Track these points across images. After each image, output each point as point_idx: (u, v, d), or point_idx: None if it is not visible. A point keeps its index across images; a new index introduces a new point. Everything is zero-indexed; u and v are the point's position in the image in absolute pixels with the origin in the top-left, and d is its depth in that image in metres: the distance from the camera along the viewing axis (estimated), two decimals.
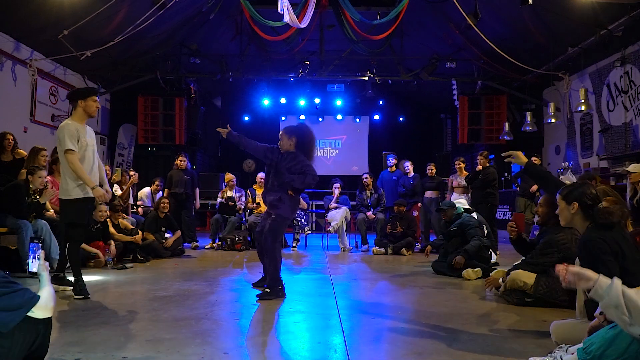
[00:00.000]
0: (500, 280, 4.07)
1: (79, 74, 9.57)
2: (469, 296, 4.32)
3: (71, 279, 4.06)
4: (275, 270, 4.12)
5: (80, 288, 3.95)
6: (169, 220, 7.20)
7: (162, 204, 7.11)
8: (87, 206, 4.11)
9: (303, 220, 8.35)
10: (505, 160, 3.48)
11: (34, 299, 1.91)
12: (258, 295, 4.00)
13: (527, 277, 3.84)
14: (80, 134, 3.99)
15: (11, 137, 5.87)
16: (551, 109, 9.32)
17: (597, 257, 2.35)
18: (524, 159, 3.33)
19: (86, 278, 4.91)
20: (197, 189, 8.38)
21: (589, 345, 2.04)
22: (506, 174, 11.01)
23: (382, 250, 7.54)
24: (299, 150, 4.25)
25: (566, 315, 3.09)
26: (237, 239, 7.85)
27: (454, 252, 5.52)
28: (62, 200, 4.04)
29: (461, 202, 6.40)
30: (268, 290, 4.03)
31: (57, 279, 4.14)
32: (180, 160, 8.23)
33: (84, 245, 5.67)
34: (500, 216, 10.43)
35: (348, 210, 8.37)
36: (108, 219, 6.10)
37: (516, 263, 4.09)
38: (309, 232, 8.58)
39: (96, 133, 10.20)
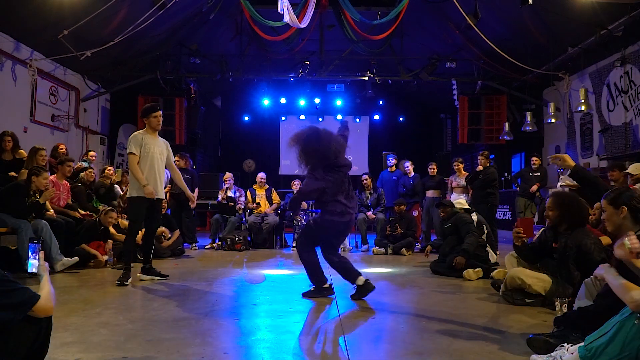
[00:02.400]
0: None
1: (79, 74, 9.57)
2: (469, 296, 4.32)
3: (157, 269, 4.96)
4: (308, 271, 4.14)
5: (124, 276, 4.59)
6: (167, 219, 7.19)
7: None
8: (144, 205, 4.70)
9: (303, 220, 8.36)
10: (551, 163, 3.40)
11: (34, 298, 1.91)
12: (302, 294, 4.09)
13: (525, 275, 3.82)
14: (145, 142, 4.73)
15: (9, 138, 5.83)
16: (551, 109, 9.32)
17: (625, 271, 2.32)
18: (571, 163, 3.25)
19: (86, 278, 4.94)
20: (197, 189, 8.34)
21: (590, 342, 2.04)
22: (506, 174, 11.01)
23: (382, 250, 7.53)
24: (308, 160, 3.93)
25: None
26: (237, 239, 7.84)
27: (450, 251, 5.52)
28: (128, 198, 4.90)
29: (461, 202, 6.40)
30: (312, 289, 4.10)
31: (144, 270, 4.87)
32: (177, 160, 8.23)
33: (83, 246, 5.69)
34: (500, 216, 10.44)
35: None
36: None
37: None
38: None
39: (96, 133, 10.31)
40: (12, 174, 5.68)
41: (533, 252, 3.98)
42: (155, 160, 4.77)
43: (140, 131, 4.89)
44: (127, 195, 4.85)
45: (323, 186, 3.85)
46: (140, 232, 6.33)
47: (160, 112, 4.88)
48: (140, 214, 4.75)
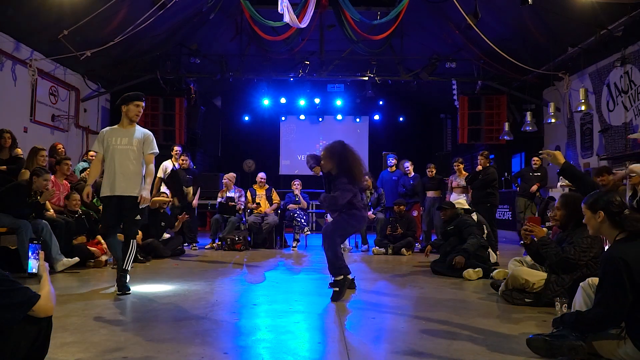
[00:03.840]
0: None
1: (79, 74, 9.57)
2: (469, 296, 4.32)
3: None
4: (335, 257, 4.13)
5: (122, 284, 4.14)
6: (167, 217, 7.18)
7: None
8: (110, 204, 4.24)
9: (303, 220, 8.35)
10: (541, 157, 3.46)
11: (35, 297, 1.91)
12: (332, 298, 3.98)
13: (529, 275, 3.82)
14: (108, 137, 4.28)
15: (8, 135, 5.80)
16: (551, 109, 9.31)
17: (611, 281, 2.35)
18: (561, 160, 3.31)
19: (86, 278, 4.94)
20: (199, 188, 8.38)
21: None
22: (506, 173, 11.01)
23: (382, 250, 7.54)
24: (342, 171, 4.21)
25: None
26: (237, 239, 7.84)
27: (451, 251, 5.52)
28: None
29: (460, 202, 6.40)
30: (337, 289, 4.03)
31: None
32: (182, 160, 8.24)
33: (82, 241, 5.71)
34: (500, 216, 10.43)
35: None
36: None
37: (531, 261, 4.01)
38: (309, 232, 8.58)
39: (96, 133, 10.30)
40: (2, 167, 5.62)
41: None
42: (116, 153, 4.22)
43: (112, 126, 4.45)
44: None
45: (353, 193, 4.22)
46: (139, 233, 6.38)
47: (143, 104, 4.36)
48: (105, 216, 4.35)
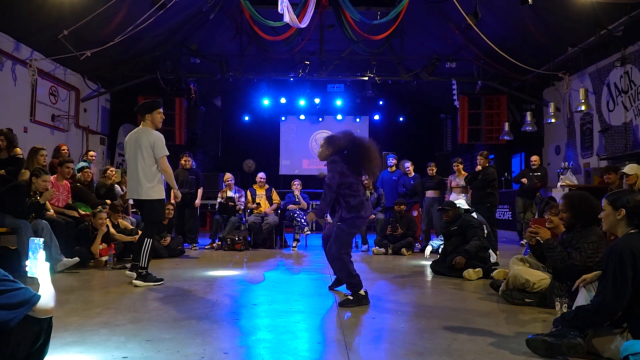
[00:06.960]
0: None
1: (79, 74, 9.57)
2: (469, 296, 4.32)
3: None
4: (349, 277, 3.89)
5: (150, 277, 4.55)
6: (171, 226, 7.17)
7: (166, 210, 7.08)
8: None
9: (303, 220, 8.35)
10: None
11: (35, 298, 1.91)
12: (339, 303, 3.79)
13: (529, 275, 3.82)
14: None
15: (3, 137, 5.73)
16: (551, 109, 9.31)
17: (614, 270, 2.38)
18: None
19: (86, 278, 4.94)
20: (201, 188, 8.36)
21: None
22: (506, 173, 11.01)
23: (382, 250, 7.54)
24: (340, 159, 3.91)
25: None
26: (237, 239, 7.85)
27: (453, 251, 5.51)
28: (151, 200, 4.59)
29: (460, 202, 6.40)
30: (350, 297, 3.81)
31: (141, 277, 4.51)
32: (185, 160, 8.24)
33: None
34: (500, 216, 10.43)
35: None
36: (107, 219, 6.08)
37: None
38: (309, 232, 8.58)
39: (96, 133, 10.31)
40: (2, 172, 5.60)
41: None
42: None
43: (143, 129, 4.65)
44: (157, 197, 4.64)
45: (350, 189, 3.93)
46: (140, 233, 6.34)
47: (162, 109, 4.82)
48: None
